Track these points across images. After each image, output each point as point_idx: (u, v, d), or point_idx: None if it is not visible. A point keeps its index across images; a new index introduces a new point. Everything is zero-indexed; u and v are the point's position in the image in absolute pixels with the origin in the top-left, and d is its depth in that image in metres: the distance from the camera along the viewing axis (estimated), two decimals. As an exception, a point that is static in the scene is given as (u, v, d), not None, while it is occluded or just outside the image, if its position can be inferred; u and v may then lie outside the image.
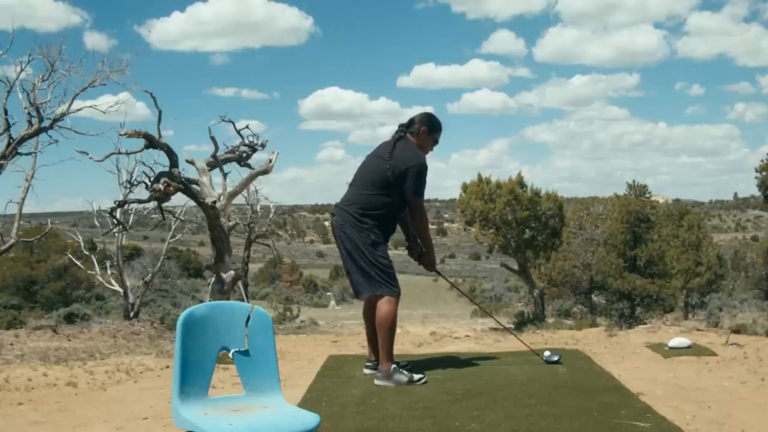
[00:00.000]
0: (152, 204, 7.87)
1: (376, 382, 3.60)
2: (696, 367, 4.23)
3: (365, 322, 3.93)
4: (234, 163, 7.95)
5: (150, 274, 13.29)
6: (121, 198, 9.00)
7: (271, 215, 16.55)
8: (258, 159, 7.98)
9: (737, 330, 7.68)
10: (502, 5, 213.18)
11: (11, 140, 7.83)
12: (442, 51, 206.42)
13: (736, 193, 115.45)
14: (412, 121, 3.94)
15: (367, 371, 3.83)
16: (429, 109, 4.98)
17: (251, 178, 7.87)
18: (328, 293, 40.20)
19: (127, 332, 7.57)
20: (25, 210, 8.89)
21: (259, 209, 15.75)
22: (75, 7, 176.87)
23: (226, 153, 7.87)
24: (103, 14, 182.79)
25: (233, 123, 7.99)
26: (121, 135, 7.05)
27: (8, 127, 7.83)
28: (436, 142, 4.02)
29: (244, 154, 7.92)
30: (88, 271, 14.67)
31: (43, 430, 3.14)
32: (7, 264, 21.46)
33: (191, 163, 7.43)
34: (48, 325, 11.73)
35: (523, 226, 18.33)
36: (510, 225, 18.18)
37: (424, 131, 3.91)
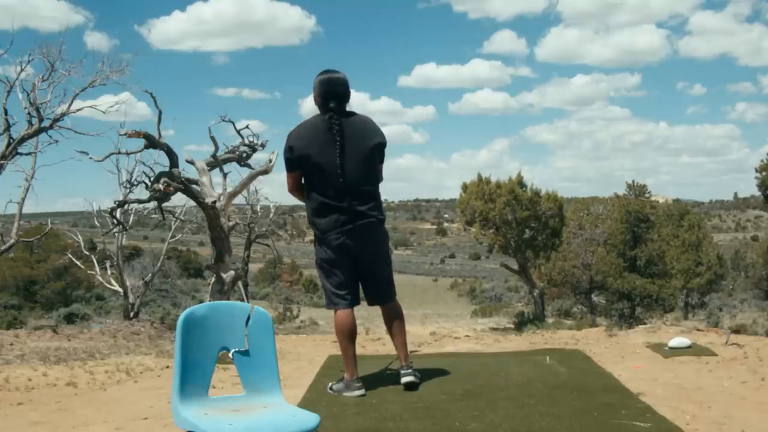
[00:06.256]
0: (152, 204, 7.88)
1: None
2: (696, 367, 4.23)
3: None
4: (234, 163, 7.95)
5: (150, 274, 13.31)
6: (121, 198, 9.01)
7: (271, 215, 16.56)
8: (258, 159, 7.99)
9: (737, 330, 7.68)
10: (503, 5, 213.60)
11: (11, 140, 7.84)
12: (444, 51, 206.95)
13: (736, 193, 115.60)
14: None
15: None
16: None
17: (251, 178, 7.86)
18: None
19: (127, 332, 7.58)
20: (25, 210, 8.92)
21: (259, 209, 15.76)
22: (77, 7, 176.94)
23: (226, 153, 7.87)
24: (104, 14, 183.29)
25: (233, 123, 8.00)
26: (121, 135, 7.06)
27: (8, 127, 7.85)
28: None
29: (244, 154, 7.92)
30: (88, 271, 14.69)
31: (43, 430, 3.14)
32: (7, 264, 21.48)
33: (191, 163, 7.43)
34: (48, 325, 11.77)
35: (523, 226, 18.35)
36: (510, 225, 18.19)
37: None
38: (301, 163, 3.48)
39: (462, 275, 63.35)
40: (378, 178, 3.58)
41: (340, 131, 3.42)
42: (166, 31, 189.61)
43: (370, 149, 3.50)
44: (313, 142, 3.45)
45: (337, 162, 3.40)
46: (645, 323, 13.19)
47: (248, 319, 2.30)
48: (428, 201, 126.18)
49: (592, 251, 19.50)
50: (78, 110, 8.19)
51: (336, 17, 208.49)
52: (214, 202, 6.98)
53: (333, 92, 3.48)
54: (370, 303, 3.70)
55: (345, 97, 3.52)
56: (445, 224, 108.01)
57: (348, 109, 3.54)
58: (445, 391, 3.45)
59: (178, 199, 9.38)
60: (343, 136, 3.42)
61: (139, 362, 4.94)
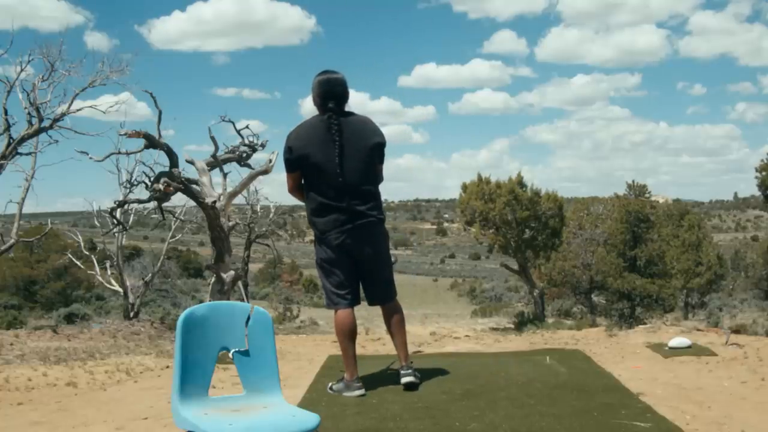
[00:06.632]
0: (152, 204, 7.88)
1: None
2: (696, 367, 4.23)
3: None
4: (234, 163, 7.96)
5: (150, 274, 13.30)
6: (121, 198, 9.01)
7: (271, 215, 16.56)
8: (258, 159, 8.00)
9: (737, 330, 7.69)
10: (503, 5, 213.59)
11: (11, 140, 7.84)
12: (444, 51, 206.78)
13: (736, 193, 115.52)
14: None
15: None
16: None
17: (251, 178, 7.87)
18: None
19: (127, 332, 7.59)
20: (25, 210, 8.93)
21: (259, 209, 15.76)
22: (77, 7, 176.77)
23: (226, 153, 7.87)
24: (104, 14, 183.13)
25: (233, 123, 8.01)
26: (121, 135, 7.07)
27: (8, 127, 7.85)
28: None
29: (244, 154, 7.93)
30: (88, 271, 14.70)
31: (43, 430, 3.14)
32: (7, 264, 21.47)
33: (191, 163, 7.43)
34: (48, 325, 11.77)
35: (523, 226, 18.35)
36: (510, 225, 18.20)
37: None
38: (300, 164, 3.48)
39: (462, 275, 63.33)
40: (378, 178, 3.58)
41: (339, 131, 3.42)
42: (166, 31, 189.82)
43: (370, 149, 3.49)
44: (312, 142, 3.45)
45: (336, 162, 3.40)
46: (645, 323, 13.19)
47: (248, 319, 2.30)
48: (428, 201, 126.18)
49: (592, 251, 19.49)
50: (78, 110, 8.21)
51: (336, 17, 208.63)
52: (214, 202, 6.98)
53: (332, 92, 3.49)
54: (371, 303, 3.70)
55: (344, 97, 3.53)
56: (445, 224, 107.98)
57: (347, 109, 3.55)
58: (445, 391, 3.45)
59: (178, 199, 9.40)
60: (342, 136, 3.42)
61: (139, 362, 4.94)
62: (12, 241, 8.88)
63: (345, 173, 3.41)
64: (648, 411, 3.04)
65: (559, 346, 5.15)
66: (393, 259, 3.82)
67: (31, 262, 23.33)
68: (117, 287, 12.95)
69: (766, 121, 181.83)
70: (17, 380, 4.25)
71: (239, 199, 11.42)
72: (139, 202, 8.25)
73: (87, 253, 14.38)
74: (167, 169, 6.99)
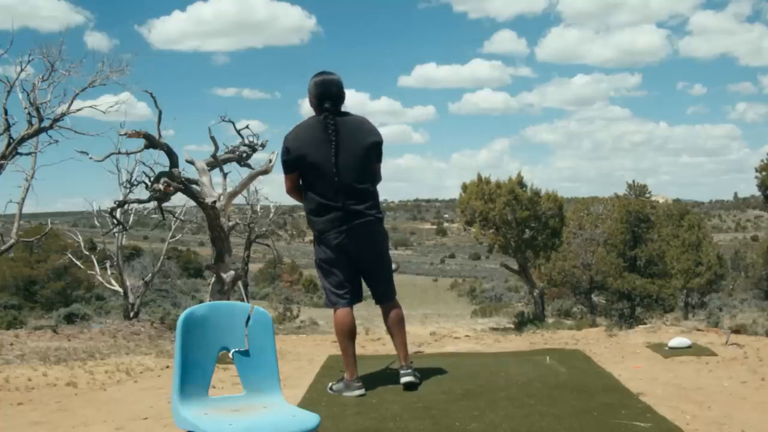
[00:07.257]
0: (152, 204, 7.88)
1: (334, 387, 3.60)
2: (696, 367, 4.23)
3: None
4: (234, 163, 7.96)
5: (150, 274, 13.30)
6: (121, 198, 9.01)
7: (271, 215, 16.56)
8: (258, 159, 8.00)
9: (737, 330, 7.69)
10: (503, 5, 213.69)
11: (11, 140, 7.84)
12: (444, 50, 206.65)
13: (736, 193, 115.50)
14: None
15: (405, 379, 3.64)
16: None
17: (251, 178, 7.87)
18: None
19: (127, 332, 7.59)
20: (25, 210, 8.93)
21: (259, 209, 15.77)
22: (77, 7, 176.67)
23: (226, 153, 7.87)
24: (104, 14, 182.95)
25: (233, 123, 8.02)
26: (121, 135, 7.08)
27: (8, 127, 7.85)
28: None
29: (244, 154, 7.93)
30: (88, 271, 14.70)
31: (43, 430, 3.14)
32: (7, 264, 21.47)
33: (191, 163, 7.43)
34: (48, 325, 11.76)
35: (523, 226, 18.34)
36: (510, 225, 18.19)
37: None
38: (298, 164, 3.49)
39: (462, 275, 63.32)
40: (376, 177, 3.59)
41: (335, 131, 3.43)
42: (166, 31, 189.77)
43: (366, 148, 3.50)
44: (309, 143, 3.46)
45: (332, 161, 3.41)
46: (645, 323, 13.19)
47: (248, 319, 2.30)
48: (428, 201, 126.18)
49: (592, 251, 19.48)
50: (78, 110, 8.21)
51: (336, 17, 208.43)
52: (214, 202, 6.98)
53: (328, 93, 3.50)
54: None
55: (340, 97, 3.54)
56: (445, 224, 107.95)
57: (344, 110, 3.56)
58: (445, 391, 3.45)
59: (178, 199, 9.41)
60: (338, 136, 3.44)
61: (139, 362, 4.95)
62: (12, 241, 8.88)
63: (341, 173, 3.42)
64: (648, 411, 3.04)
65: (559, 346, 5.15)
66: (395, 266, 3.82)
67: (31, 262, 23.33)
68: (117, 287, 12.96)
69: (766, 121, 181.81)
70: (17, 380, 4.25)
71: (239, 199, 11.43)
72: (139, 202, 8.26)
73: (87, 253, 14.38)
74: (167, 169, 6.99)
